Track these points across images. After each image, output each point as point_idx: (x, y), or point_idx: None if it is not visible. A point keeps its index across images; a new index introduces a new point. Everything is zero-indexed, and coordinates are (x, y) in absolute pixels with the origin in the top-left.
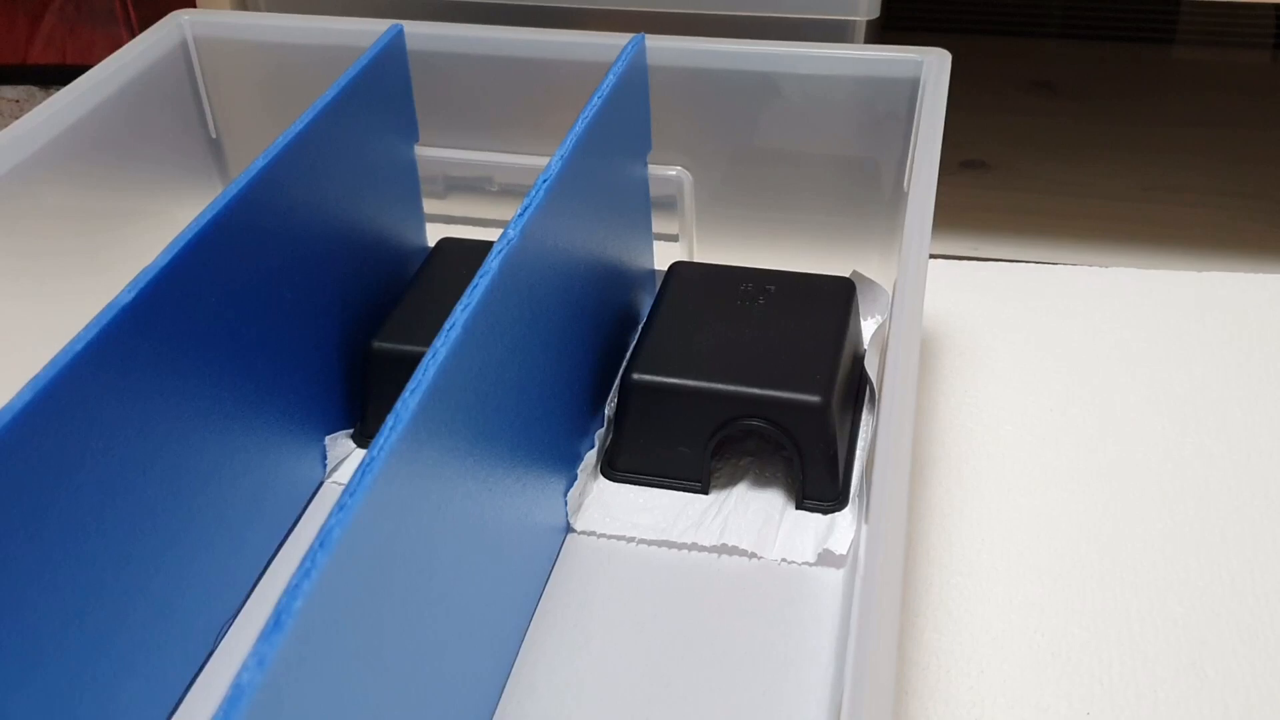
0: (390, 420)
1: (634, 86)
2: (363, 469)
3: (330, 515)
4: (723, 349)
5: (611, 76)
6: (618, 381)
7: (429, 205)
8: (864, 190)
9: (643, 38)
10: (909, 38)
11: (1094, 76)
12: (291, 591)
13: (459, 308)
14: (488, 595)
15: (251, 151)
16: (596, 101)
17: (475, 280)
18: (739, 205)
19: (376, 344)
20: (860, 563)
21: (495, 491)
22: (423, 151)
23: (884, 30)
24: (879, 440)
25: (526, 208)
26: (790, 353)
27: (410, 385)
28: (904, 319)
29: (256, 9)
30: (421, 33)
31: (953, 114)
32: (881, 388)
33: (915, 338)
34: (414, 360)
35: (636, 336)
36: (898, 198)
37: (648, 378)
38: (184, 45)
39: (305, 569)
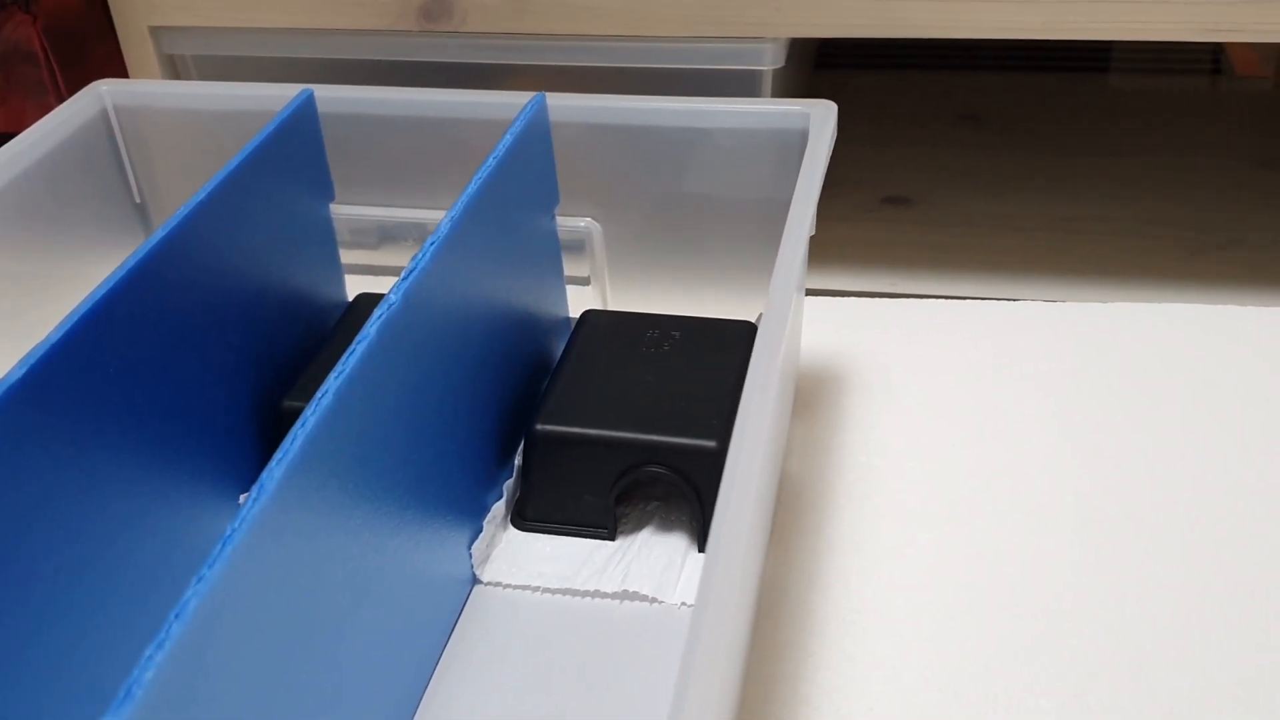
0: (254, 491)
1: (536, 143)
2: (224, 540)
3: (190, 586)
4: (625, 396)
5: (508, 136)
6: (525, 432)
7: (361, 258)
8: (768, 235)
9: (543, 97)
10: (842, 75)
11: (1023, 108)
12: (144, 663)
13: (333, 375)
14: (381, 651)
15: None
16: (491, 161)
17: (352, 346)
18: (651, 253)
19: (287, 402)
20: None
21: (384, 549)
22: (340, 209)
23: (816, 68)
24: (724, 479)
25: (411, 271)
26: (690, 398)
27: (277, 454)
28: (762, 361)
29: (188, 77)
30: (333, 96)
31: (878, 150)
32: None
33: (772, 380)
34: None
35: (544, 387)
36: None
37: (550, 428)
38: (104, 114)
39: (160, 640)
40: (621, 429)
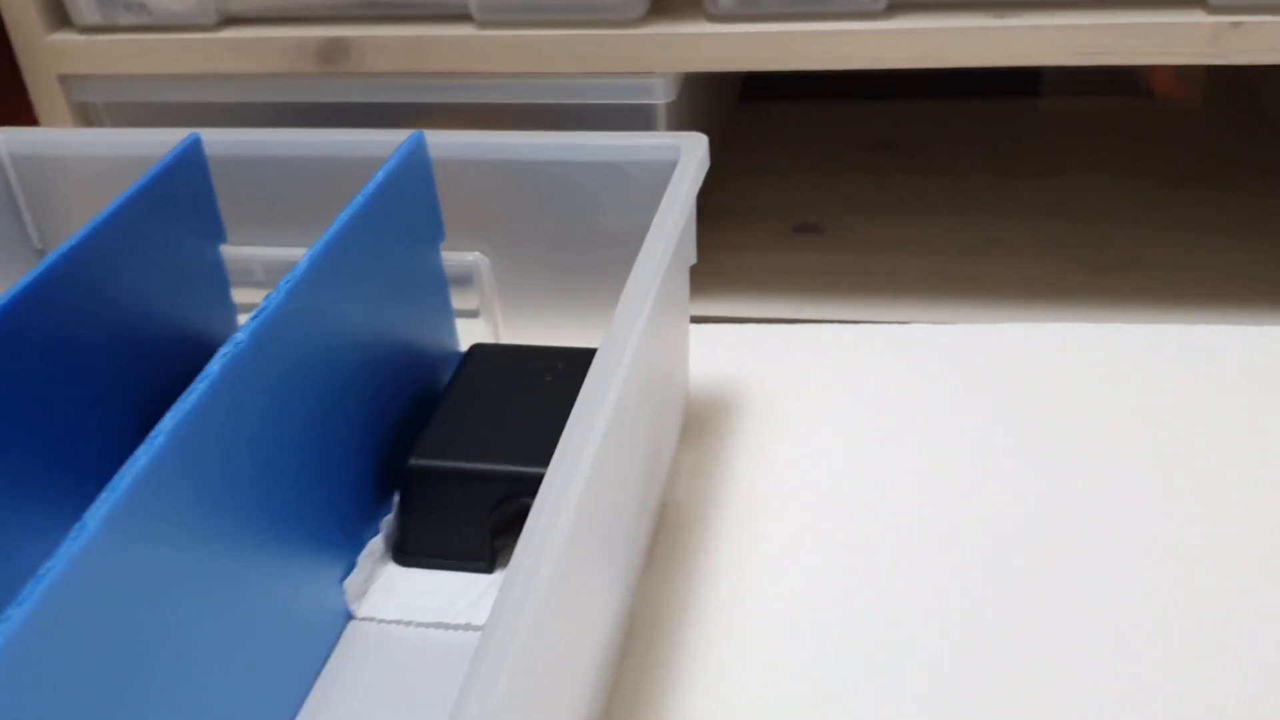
0: (75, 530)
1: (414, 179)
2: (37, 579)
3: None
4: (503, 428)
5: (379, 174)
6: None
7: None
8: None
9: (421, 134)
10: (767, 105)
11: (942, 135)
12: None
13: (169, 414)
14: (241, 687)
15: None
16: (359, 199)
17: (192, 385)
18: (542, 285)
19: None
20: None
21: (240, 587)
22: (232, 250)
23: (743, 98)
24: (534, 507)
25: (262, 310)
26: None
27: (103, 495)
28: (593, 388)
29: (100, 124)
30: (223, 139)
31: (793, 179)
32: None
33: (603, 406)
34: None
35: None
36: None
37: (424, 462)
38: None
39: None
40: (495, 461)
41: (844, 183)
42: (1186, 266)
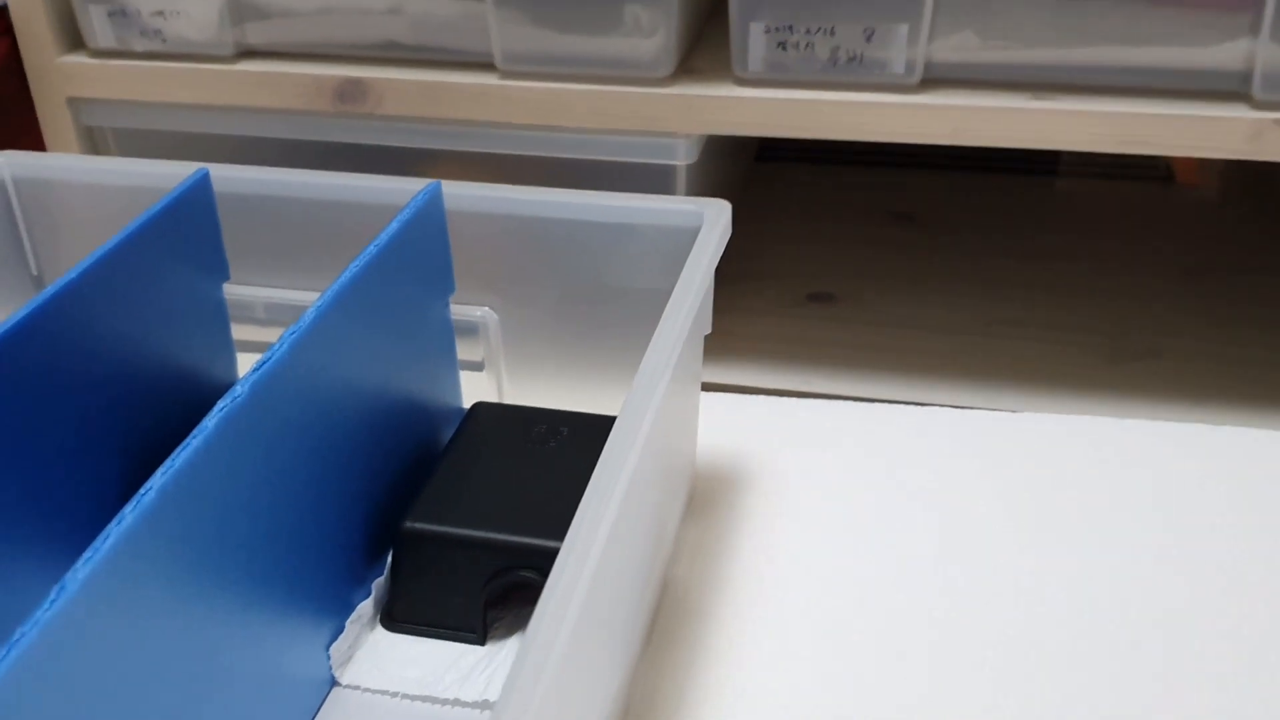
0: (54, 592)
1: (428, 230)
2: (8, 646)
3: None
4: (503, 495)
5: (394, 224)
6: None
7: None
8: None
9: (438, 185)
10: (781, 168)
11: (959, 209)
12: None
13: (160, 470)
14: None
15: None
16: (371, 249)
17: (187, 440)
18: (550, 343)
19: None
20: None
21: (222, 650)
22: (234, 289)
23: (757, 160)
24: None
25: (264, 363)
26: (570, 499)
27: (85, 555)
28: (612, 459)
29: (107, 150)
30: (232, 176)
31: (807, 246)
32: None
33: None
34: None
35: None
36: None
37: (420, 526)
38: (2, 185)
39: None
40: (493, 529)
41: (859, 252)
42: (1206, 359)
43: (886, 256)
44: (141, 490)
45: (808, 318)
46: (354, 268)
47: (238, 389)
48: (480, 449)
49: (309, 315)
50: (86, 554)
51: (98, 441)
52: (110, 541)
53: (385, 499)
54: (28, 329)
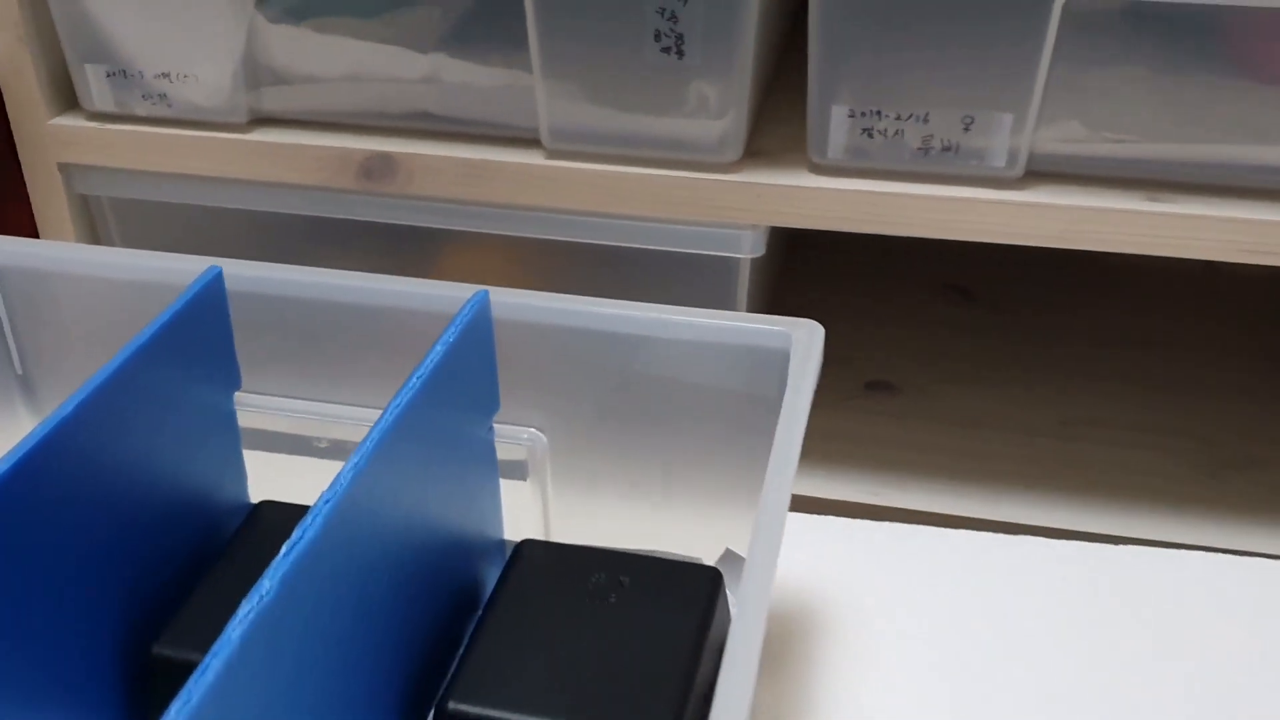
0: None
1: (475, 344)
2: None
3: None
4: (560, 666)
5: (448, 336)
6: (435, 705)
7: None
8: (736, 460)
9: (485, 294)
10: (821, 234)
11: (1016, 283)
12: None
13: (212, 651)
14: None
15: (62, 386)
16: (425, 369)
17: (244, 609)
18: (604, 471)
19: (157, 650)
20: None
21: None
22: (245, 399)
23: None
24: None
25: (296, 541)
26: (638, 672)
27: None
28: (742, 643)
29: (103, 220)
30: (245, 274)
31: (857, 324)
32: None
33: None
34: None
35: (466, 640)
36: None
37: (464, 708)
38: None
39: None
40: (554, 713)
41: (917, 335)
42: None
43: (945, 339)
44: (200, 669)
45: (868, 411)
46: (409, 391)
47: (266, 584)
48: (530, 603)
49: (369, 445)
50: None
51: (97, 589)
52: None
53: (425, 662)
54: (23, 474)
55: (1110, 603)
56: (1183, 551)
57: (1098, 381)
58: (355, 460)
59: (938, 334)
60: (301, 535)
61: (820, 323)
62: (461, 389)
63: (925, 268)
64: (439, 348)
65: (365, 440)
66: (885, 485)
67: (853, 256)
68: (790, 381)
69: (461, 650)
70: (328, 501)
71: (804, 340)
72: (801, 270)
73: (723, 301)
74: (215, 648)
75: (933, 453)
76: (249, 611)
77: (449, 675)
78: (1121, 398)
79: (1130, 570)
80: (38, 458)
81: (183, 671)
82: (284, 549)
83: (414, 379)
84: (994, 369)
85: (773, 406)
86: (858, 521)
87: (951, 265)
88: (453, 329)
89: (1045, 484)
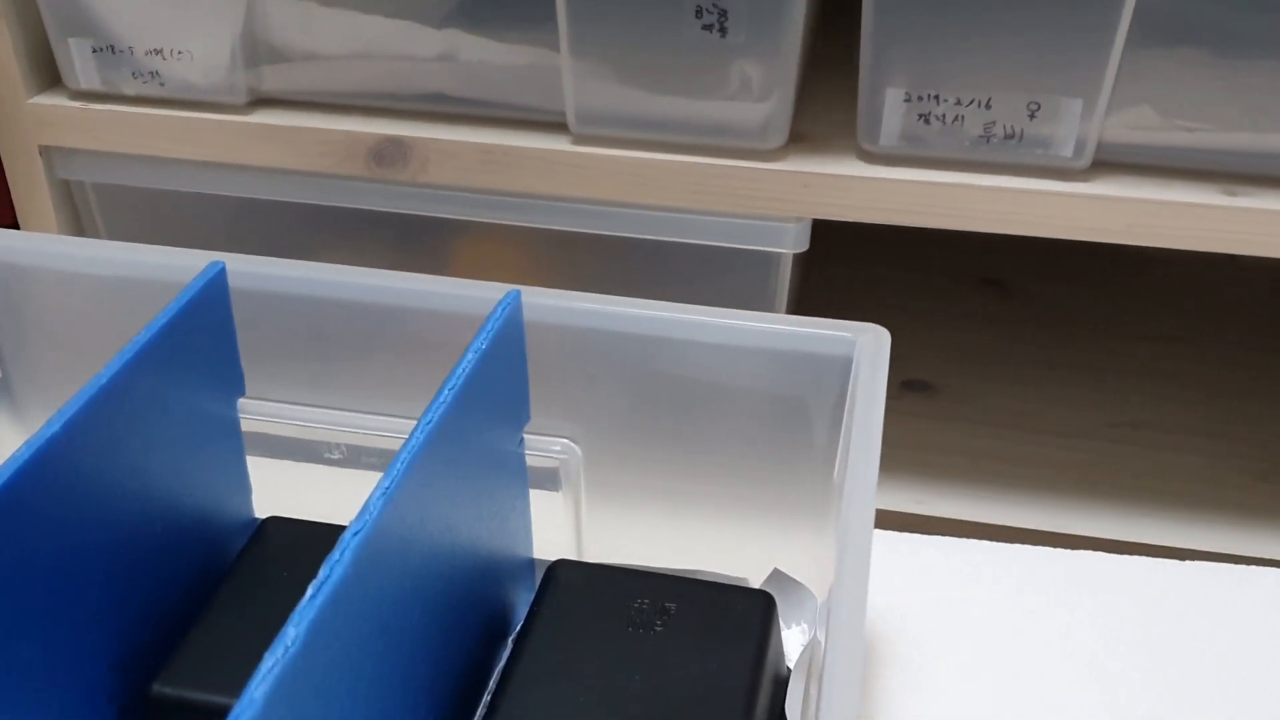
0: None
1: (506, 350)
2: None
3: None
4: (607, 703)
5: (479, 343)
6: None
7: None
8: (786, 474)
9: (517, 294)
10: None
11: (1051, 274)
12: None
13: (254, 680)
14: None
15: (47, 390)
16: (457, 378)
17: (276, 650)
18: (643, 485)
19: (157, 688)
20: None
21: None
22: (248, 404)
23: None
24: None
25: (324, 581)
26: (691, 711)
27: None
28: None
29: (86, 207)
30: (248, 270)
31: (892, 319)
32: None
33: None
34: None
35: (499, 671)
36: (826, 485)
37: None
38: None
39: None
40: None
41: (951, 330)
42: None
43: (980, 334)
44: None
45: (906, 413)
46: (436, 411)
47: (290, 632)
48: (568, 631)
49: (401, 463)
50: None
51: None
52: None
53: (455, 694)
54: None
55: (1181, 623)
56: (1253, 568)
57: (1141, 380)
58: (385, 485)
59: (972, 330)
60: (330, 574)
61: (850, 316)
62: (493, 400)
63: (955, 258)
64: (470, 355)
65: (395, 462)
66: (930, 494)
67: (877, 246)
68: (860, 392)
69: (494, 683)
70: (356, 534)
71: (870, 347)
72: (823, 261)
73: (761, 299)
74: (238, 709)
75: (978, 458)
76: (274, 665)
77: (481, 713)
78: (1166, 399)
79: (1194, 586)
80: (25, 477)
81: (184, 711)
82: (310, 590)
83: (445, 391)
84: (1033, 367)
85: (824, 415)
86: (904, 535)
87: (982, 256)
88: (484, 334)
89: (1095, 490)
